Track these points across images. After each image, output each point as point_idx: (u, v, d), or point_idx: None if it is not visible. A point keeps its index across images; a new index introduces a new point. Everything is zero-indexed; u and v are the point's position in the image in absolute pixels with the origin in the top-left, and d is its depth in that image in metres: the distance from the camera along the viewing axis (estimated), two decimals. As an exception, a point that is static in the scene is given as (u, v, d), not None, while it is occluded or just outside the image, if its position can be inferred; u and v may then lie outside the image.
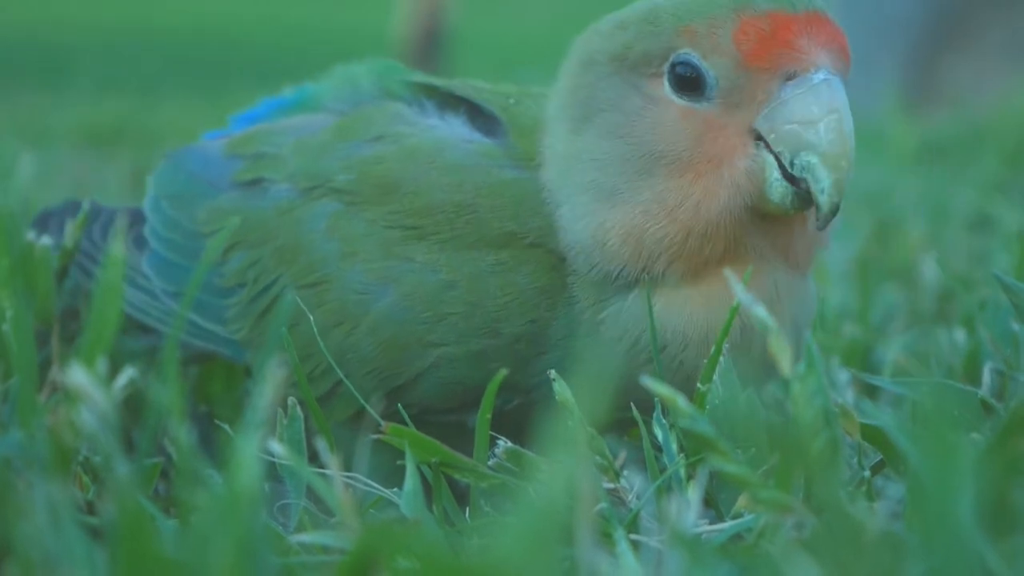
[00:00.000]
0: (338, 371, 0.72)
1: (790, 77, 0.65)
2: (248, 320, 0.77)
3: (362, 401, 0.70)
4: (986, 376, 0.77)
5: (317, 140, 0.79)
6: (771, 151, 0.65)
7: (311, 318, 0.72)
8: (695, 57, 0.66)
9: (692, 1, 0.67)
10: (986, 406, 0.66)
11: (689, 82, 0.67)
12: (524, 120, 0.75)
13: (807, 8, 0.66)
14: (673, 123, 0.67)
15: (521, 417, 0.70)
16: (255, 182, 0.79)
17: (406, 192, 0.73)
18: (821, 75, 0.65)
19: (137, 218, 0.86)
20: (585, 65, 0.70)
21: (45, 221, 0.92)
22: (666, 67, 0.67)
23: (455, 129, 0.76)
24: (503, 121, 0.75)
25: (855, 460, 0.64)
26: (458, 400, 0.70)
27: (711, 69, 0.66)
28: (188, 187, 0.83)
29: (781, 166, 0.65)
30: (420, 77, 0.82)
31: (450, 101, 0.79)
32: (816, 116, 0.65)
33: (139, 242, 0.84)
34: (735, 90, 0.66)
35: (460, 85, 0.79)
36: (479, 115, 0.77)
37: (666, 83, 0.67)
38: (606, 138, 0.68)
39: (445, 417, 0.67)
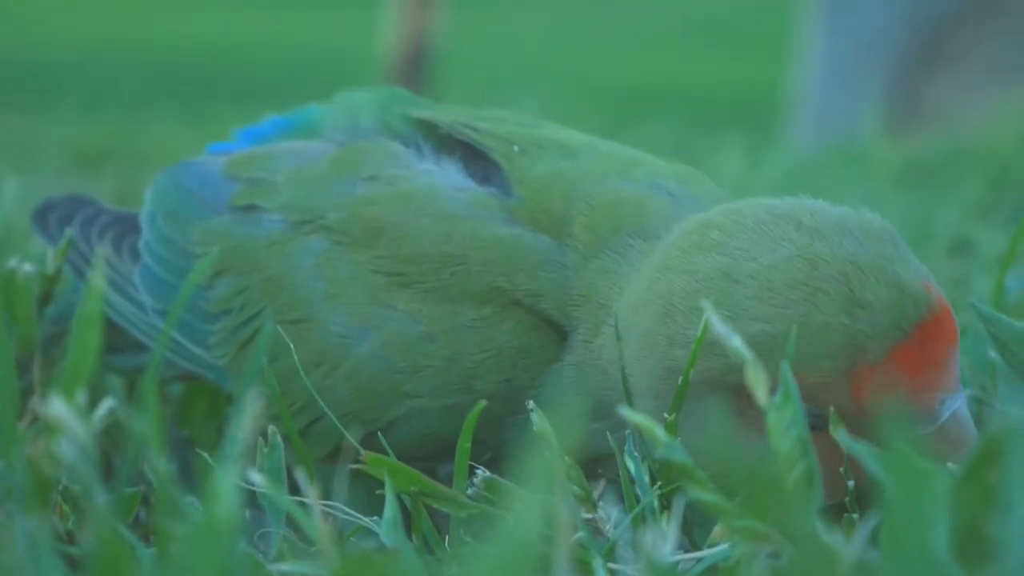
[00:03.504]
0: (323, 405, 0.71)
1: (921, 417, 0.61)
2: (231, 347, 0.77)
3: (343, 430, 0.70)
4: (964, 403, 0.77)
5: (312, 172, 0.79)
6: None
7: (282, 357, 0.72)
8: (810, 407, 0.60)
9: (799, 340, 0.60)
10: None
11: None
12: (532, 174, 0.73)
13: (919, 320, 0.60)
14: None
15: (494, 465, 0.70)
16: (249, 208, 0.79)
17: (394, 237, 0.73)
18: (945, 407, 0.61)
19: (134, 225, 0.86)
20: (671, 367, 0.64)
21: (46, 214, 0.91)
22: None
23: (449, 175, 0.75)
24: (505, 170, 0.74)
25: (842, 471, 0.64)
26: (430, 450, 0.70)
27: (828, 411, 0.61)
28: (184, 205, 0.82)
29: None
30: (422, 112, 0.81)
31: (448, 144, 0.78)
32: (949, 455, 0.61)
33: (134, 252, 0.84)
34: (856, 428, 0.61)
35: (462, 124, 0.78)
36: (476, 158, 0.76)
37: None
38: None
39: (417, 464, 0.67)
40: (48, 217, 0.90)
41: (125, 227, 0.87)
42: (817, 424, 0.61)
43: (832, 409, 0.60)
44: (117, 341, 0.85)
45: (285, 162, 0.81)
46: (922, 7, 3.69)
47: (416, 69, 4.65)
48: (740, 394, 0.60)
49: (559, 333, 0.70)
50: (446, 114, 0.80)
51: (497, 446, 0.70)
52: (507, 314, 0.70)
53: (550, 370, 0.70)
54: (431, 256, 0.71)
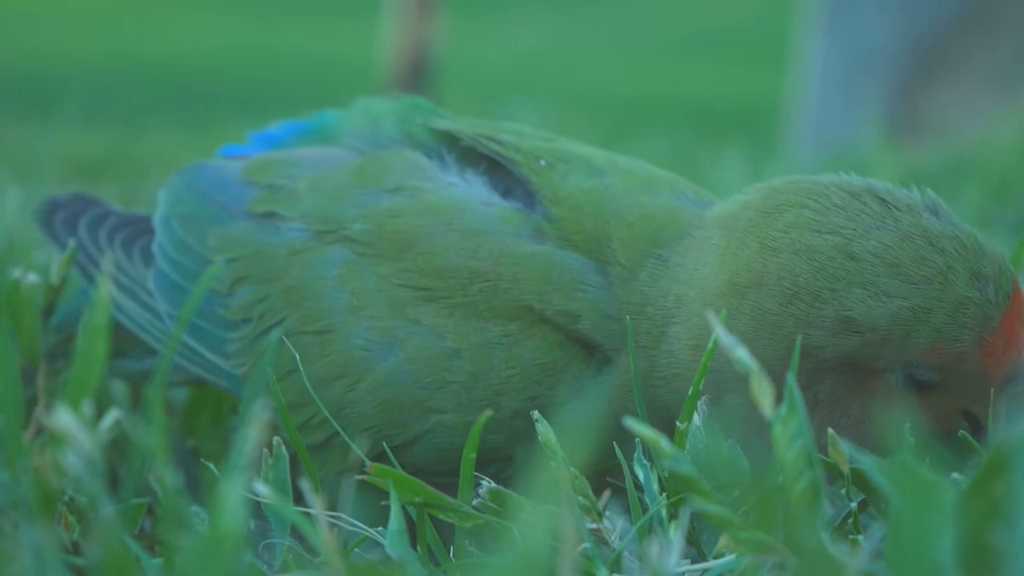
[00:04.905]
0: (335, 425, 0.71)
1: (1013, 378, 0.66)
2: (251, 356, 0.76)
3: (348, 441, 0.70)
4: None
5: (334, 181, 0.78)
6: (969, 417, 0.68)
7: (303, 367, 0.71)
8: (935, 374, 0.66)
9: (933, 313, 0.65)
10: (968, 445, 0.66)
11: (923, 386, 0.66)
12: (561, 190, 0.74)
13: (1012, 291, 0.66)
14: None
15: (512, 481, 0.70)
16: (268, 215, 0.78)
17: (421, 251, 0.73)
18: None
19: (145, 227, 0.85)
20: (789, 322, 0.66)
21: (52, 214, 0.89)
22: (897, 368, 0.66)
23: (475, 189, 0.75)
24: (534, 185, 0.74)
25: (843, 490, 0.65)
26: (451, 465, 0.69)
27: (946, 380, 0.66)
28: (200, 208, 0.81)
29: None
30: (444, 123, 0.81)
31: (472, 157, 0.78)
32: None
33: (146, 255, 0.83)
34: (961, 390, 0.67)
35: (485, 137, 0.78)
36: (496, 170, 0.76)
37: (891, 379, 0.66)
38: (818, 407, 0.67)
39: (436, 479, 0.67)
40: (53, 217, 0.89)
41: (135, 229, 0.86)
42: (925, 388, 0.66)
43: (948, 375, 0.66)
44: (123, 345, 0.84)
45: (305, 169, 0.80)
46: (921, 19, 3.70)
47: (416, 79, 4.65)
48: (862, 369, 0.65)
49: (587, 351, 0.71)
50: (468, 126, 0.80)
51: (522, 461, 0.70)
52: (533, 332, 0.70)
53: (580, 389, 0.70)
54: (458, 271, 0.71)
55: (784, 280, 0.66)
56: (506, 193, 0.75)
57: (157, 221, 0.83)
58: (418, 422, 0.71)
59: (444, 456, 0.71)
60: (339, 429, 0.71)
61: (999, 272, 0.66)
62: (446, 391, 0.71)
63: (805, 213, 0.67)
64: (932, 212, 0.67)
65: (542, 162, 0.75)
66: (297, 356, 0.72)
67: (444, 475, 0.70)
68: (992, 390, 0.66)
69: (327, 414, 0.71)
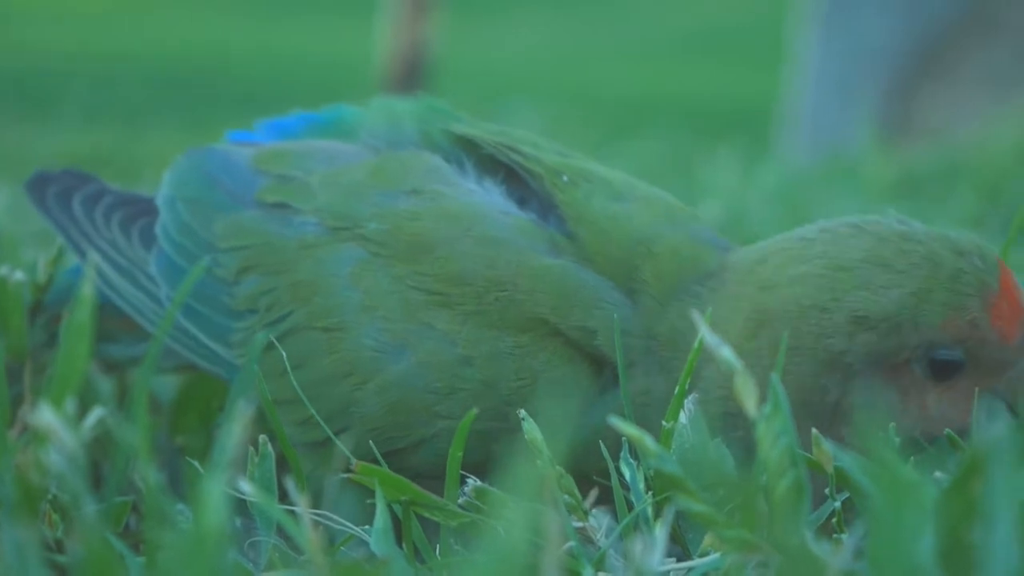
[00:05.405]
0: (325, 426, 0.71)
1: None
2: None
3: (334, 438, 0.70)
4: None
5: (349, 178, 0.77)
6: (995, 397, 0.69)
7: (310, 363, 0.72)
8: (957, 351, 0.68)
9: (933, 291, 0.67)
10: (953, 443, 0.66)
11: (949, 368, 0.68)
12: (586, 212, 0.73)
13: (995, 257, 0.69)
14: (933, 405, 0.68)
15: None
16: (279, 206, 0.78)
17: (438, 256, 0.72)
18: None
19: (146, 207, 0.83)
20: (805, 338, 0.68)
21: (42, 188, 0.86)
22: (919, 355, 0.68)
23: (493, 198, 0.75)
24: (558, 200, 0.74)
25: (827, 489, 0.65)
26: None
27: (968, 355, 0.68)
28: (207, 193, 0.80)
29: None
30: (463, 128, 0.80)
31: (490, 165, 0.77)
32: None
33: (146, 237, 0.82)
34: (984, 364, 0.68)
35: (505, 145, 0.77)
36: (514, 180, 0.76)
37: (918, 369, 0.68)
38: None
39: (435, 484, 0.66)
40: (45, 191, 0.86)
41: (135, 209, 0.84)
42: (952, 370, 0.68)
43: (968, 349, 0.68)
44: (112, 331, 0.84)
45: (319, 162, 0.79)
46: (918, 20, 3.70)
47: (413, 79, 4.65)
48: (883, 364, 0.68)
49: (597, 368, 0.71)
50: (487, 132, 0.79)
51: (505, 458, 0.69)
52: (544, 344, 0.70)
53: (585, 404, 0.69)
54: (475, 279, 0.71)
55: (789, 306, 0.69)
56: (521, 203, 0.75)
57: (161, 202, 0.82)
58: (424, 427, 0.71)
59: (445, 461, 0.70)
60: (327, 429, 0.70)
61: (978, 246, 0.69)
62: (455, 398, 0.70)
63: (788, 251, 0.71)
64: (899, 223, 0.71)
65: (564, 178, 0.75)
66: (285, 355, 0.71)
67: (442, 479, 0.69)
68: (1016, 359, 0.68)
69: (314, 412, 0.71)
